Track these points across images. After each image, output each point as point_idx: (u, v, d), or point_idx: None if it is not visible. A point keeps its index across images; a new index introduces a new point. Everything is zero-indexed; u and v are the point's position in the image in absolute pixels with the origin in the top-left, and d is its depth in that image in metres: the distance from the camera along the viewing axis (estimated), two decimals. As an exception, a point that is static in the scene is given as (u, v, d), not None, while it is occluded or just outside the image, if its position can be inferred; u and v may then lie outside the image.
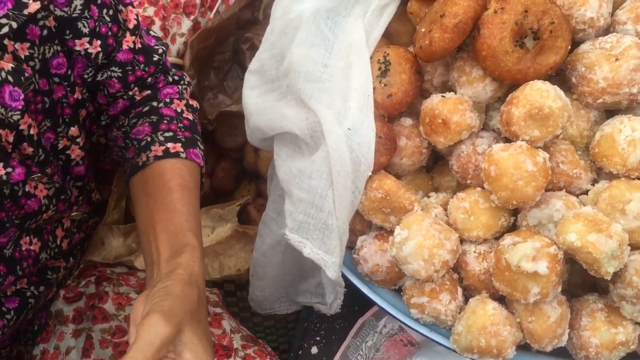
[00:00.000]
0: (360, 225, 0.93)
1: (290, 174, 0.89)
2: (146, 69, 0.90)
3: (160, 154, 0.86)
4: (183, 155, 0.87)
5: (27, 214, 0.77)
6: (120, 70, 0.86)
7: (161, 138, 0.88)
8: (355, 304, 1.03)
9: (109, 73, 0.86)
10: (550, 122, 0.78)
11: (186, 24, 1.27)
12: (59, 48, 0.77)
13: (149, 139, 0.88)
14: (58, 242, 0.90)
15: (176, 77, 0.97)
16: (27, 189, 0.76)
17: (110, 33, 0.82)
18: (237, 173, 1.53)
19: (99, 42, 0.81)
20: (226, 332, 1.00)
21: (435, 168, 0.97)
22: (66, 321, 0.98)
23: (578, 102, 0.85)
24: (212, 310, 1.04)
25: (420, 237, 0.79)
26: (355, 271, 0.92)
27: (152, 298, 0.68)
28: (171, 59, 1.26)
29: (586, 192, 0.84)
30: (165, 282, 0.71)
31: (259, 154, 1.47)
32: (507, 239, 0.78)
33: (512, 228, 0.86)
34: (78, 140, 0.84)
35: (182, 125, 0.91)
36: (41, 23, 0.73)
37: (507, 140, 0.85)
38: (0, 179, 0.70)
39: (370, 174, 0.85)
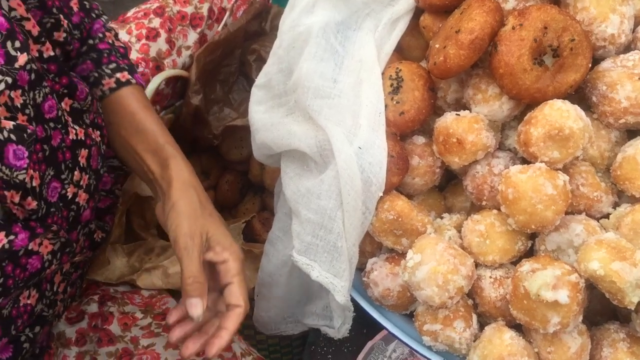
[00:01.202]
0: (370, 246, 0.90)
1: (298, 193, 0.86)
2: (81, 15, 0.91)
3: (113, 85, 0.91)
4: (133, 81, 0.93)
5: (30, 274, 0.74)
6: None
7: (107, 71, 0.91)
8: (364, 326, 0.99)
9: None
10: (570, 143, 0.75)
11: (192, 36, 1.25)
12: (47, 90, 0.74)
13: (96, 74, 0.91)
14: (55, 288, 0.87)
15: (96, 11, 0.97)
16: (29, 247, 0.72)
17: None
18: (242, 186, 1.50)
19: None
20: (236, 355, 0.97)
21: (448, 188, 0.93)
22: (69, 344, 0.95)
23: (598, 121, 0.82)
24: None
25: (434, 262, 0.76)
26: (364, 295, 0.89)
27: (171, 224, 0.78)
28: (176, 71, 1.23)
29: (607, 216, 0.80)
30: (170, 202, 0.80)
31: (265, 166, 1.44)
32: (526, 265, 0.74)
33: (529, 252, 0.82)
34: (82, 183, 0.82)
35: (119, 54, 0.95)
36: (28, 67, 0.70)
37: (524, 160, 0.82)
38: (2, 249, 0.67)
39: (381, 194, 0.81)
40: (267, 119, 0.93)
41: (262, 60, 1.39)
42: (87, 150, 0.83)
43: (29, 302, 0.79)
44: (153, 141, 0.87)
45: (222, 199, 1.48)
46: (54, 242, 0.77)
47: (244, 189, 1.51)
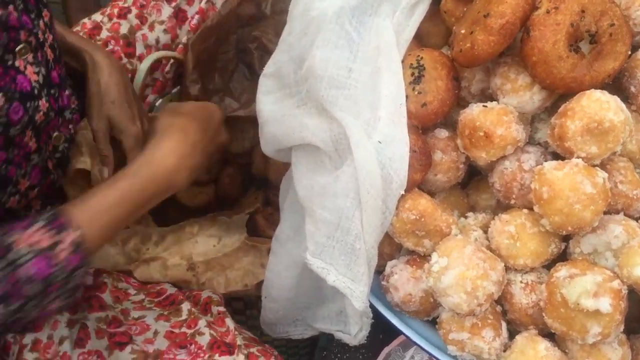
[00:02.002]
0: (388, 248, 0.84)
1: (312, 190, 0.80)
2: None
3: None
4: None
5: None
6: None
7: None
8: (380, 331, 0.93)
9: None
10: (610, 137, 0.69)
11: (167, 10, 1.19)
12: None
13: None
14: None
15: None
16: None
17: None
18: (243, 179, 1.44)
19: None
20: (230, 329, 0.93)
21: (471, 184, 0.87)
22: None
23: (637, 113, 0.76)
24: (215, 310, 0.97)
25: (462, 267, 0.70)
26: (383, 299, 0.83)
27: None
28: (167, 52, 1.18)
29: (647, 216, 0.75)
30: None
31: (269, 159, 1.38)
32: (562, 271, 0.69)
33: (562, 255, 0.76)
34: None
35: None
36: None
37: (556, 155, 0.76)
38: None
39: (402, 192, 0.75)
40: (277, 111, 0.86)
41: (264, 49, 1.32)
42: None
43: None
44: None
45: (223, 193, 1.41)
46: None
47: (246, 182, 1.45)
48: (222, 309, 0.98)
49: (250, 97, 1.38)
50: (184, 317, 0.93)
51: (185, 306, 0.94)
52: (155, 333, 0.90)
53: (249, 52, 1.36)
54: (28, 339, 0.87)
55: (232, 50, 1.36)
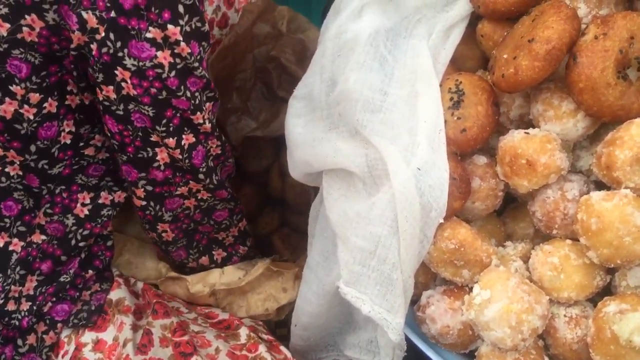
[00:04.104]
0: (423, 277, 0.81)
1: (345, 217, 0.78)
2: None
3: None
4: None
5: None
6: None
7: None
8: (409, 362, 0.90)
9: None
10: (660, 167, 0.67)
11: None
12: None
13: None
14: None
15: None
16: None
17: None
18: (260, 199, 1.41)
19: None
20: (287, 357, 0.91)
21: (508, 212, 0.85)
22: (127, 312, 0.89)
23: (684, 143, 0.74)
24: (266, 337, 0.95)
25: (506, 300, 0.68)
26: (416, 330, 0.80)
27: None
28: None
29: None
30: None
31: (287, 180, 1.36)
32: (612, 306, 0.66)
33: (605, 288, 0.74)
34: None
35: None
36: None
37: (600, 184, 0.74)
38: None
39: (441, 220, 0.73)
40: (308, 134, 0.84)
41: (282, 69, 1.31)
42: None
43: None
44: None
45: (240, 212, 1.39)
46: None
47: (262, 202, 1.42)
48: (271, 337, 0.96)
49: (268, 117, 1.36)
50: (242, 340, 0.91)
51: (244, 331, 0.92)
52: (217, 350, 0.88)
53: (267, 72, 1.34)
54: (88, 337, 0.86)
55: (249, 69, 1.34)
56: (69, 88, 0.77)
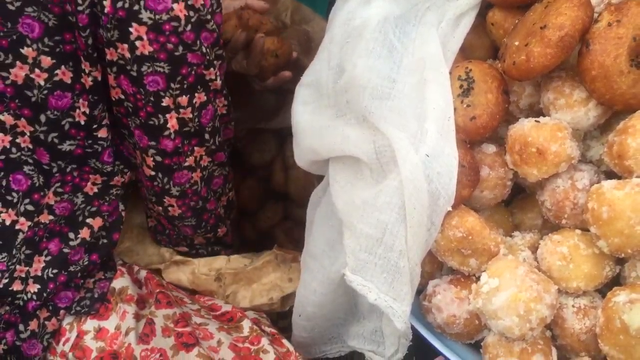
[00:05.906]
0: (429, 266, 0.80)
1: (352, 204, 0.77)
2: None
3: None
4: None
5: None
6: None
7: None
8: (414, 353, 0.89)
9: None
10: (673, 156, 0.66)
11: None
12: None
13: None
14: None
15: None
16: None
17: None
18: (262, 192, 1.40)
19: None
20: (290, 351, 0.90)
21: (515, 202, 0.84)
22: (130, 300, 0.89)
23: (697, 133, 0.73)
24: (268, 330, 0.95)
25: (515, 289, 0.67)
26: (421, 319, 0.79)
27: None
28: None
29: None
30: None
31: (289, 173, 1.35)
32: (622, 295, 0.65)
33: (614, 279, 0.73)
34: None
35: None
36: None
37: (610, 174, 0.73)
38: None
39: (449, 208, 0.72)
40: (315, 121, 0.83)
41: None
42: None
43: None
44: None
45: (242, 205, 1.38)
46: None
47: (265, 195, 1.41)
48: (273, 329, 0.95)
49: (272, 109, 1.35)
50: (245, 333, 0.90)
51: (247, 323, 0.91)
52: (220, 342, 0.87)
53: (271, 63, 1.33)
54: (90, 325, 0.86)
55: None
56: (82, 66, 0.76)
